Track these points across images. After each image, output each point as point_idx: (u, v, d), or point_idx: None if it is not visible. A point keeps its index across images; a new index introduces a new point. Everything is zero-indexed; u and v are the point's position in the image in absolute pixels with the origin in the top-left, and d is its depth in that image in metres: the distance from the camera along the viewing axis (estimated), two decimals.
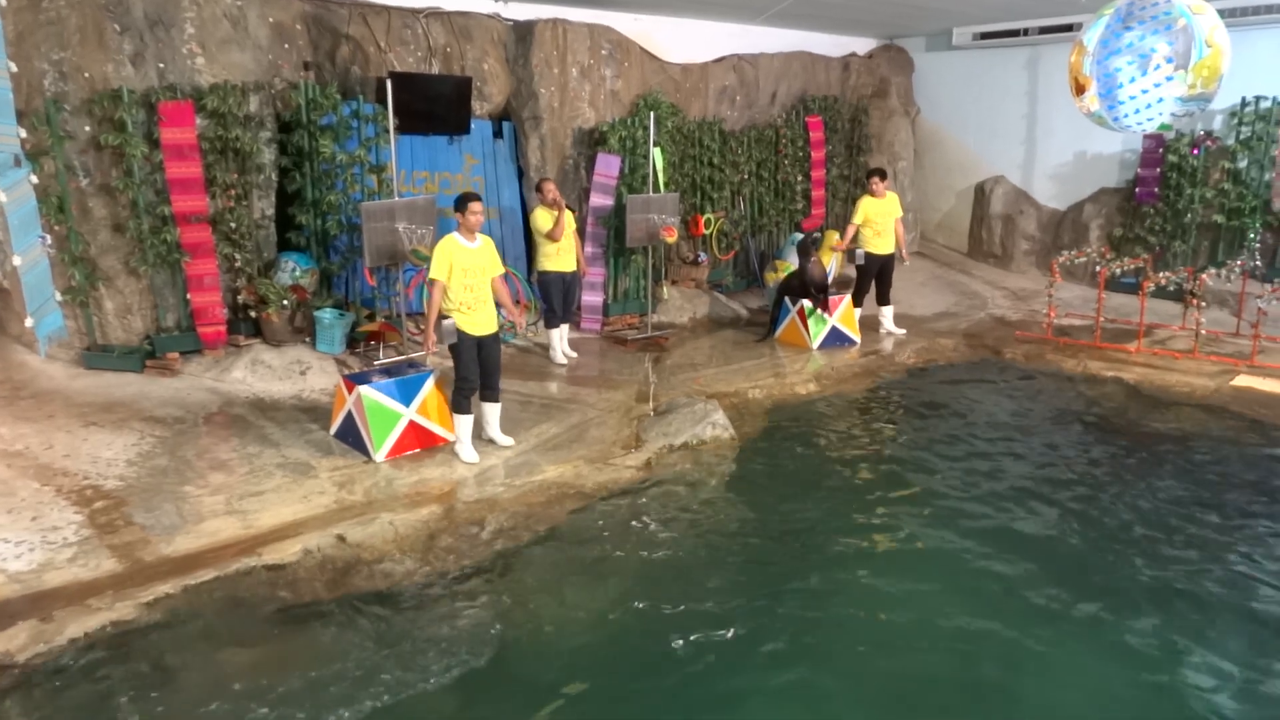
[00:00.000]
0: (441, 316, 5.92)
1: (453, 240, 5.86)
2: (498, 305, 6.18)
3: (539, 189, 8.06)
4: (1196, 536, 5.31)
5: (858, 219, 9.08)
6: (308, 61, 7.94)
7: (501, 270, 6.15)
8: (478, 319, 5.94)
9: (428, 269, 5.97)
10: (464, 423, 6.04)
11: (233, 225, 7.49)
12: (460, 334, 5.90)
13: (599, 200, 9.17)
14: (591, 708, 3.86)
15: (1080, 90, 6.91)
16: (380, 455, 5.93)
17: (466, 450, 6.03)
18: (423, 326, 8.42)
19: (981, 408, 7.58)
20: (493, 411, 6.24)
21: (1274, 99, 9.91)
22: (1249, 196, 10.14)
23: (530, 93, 9.10)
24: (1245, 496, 5.83)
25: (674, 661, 4.13)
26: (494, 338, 6.07)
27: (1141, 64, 6.38)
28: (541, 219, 8.01)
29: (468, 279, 5.85)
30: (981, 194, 12.77)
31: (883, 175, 9.11)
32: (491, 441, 6.24)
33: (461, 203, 5.89)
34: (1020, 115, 12.24)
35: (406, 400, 6.04)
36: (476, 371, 5.98)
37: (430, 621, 4.41)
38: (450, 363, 6.12)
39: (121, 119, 6.87)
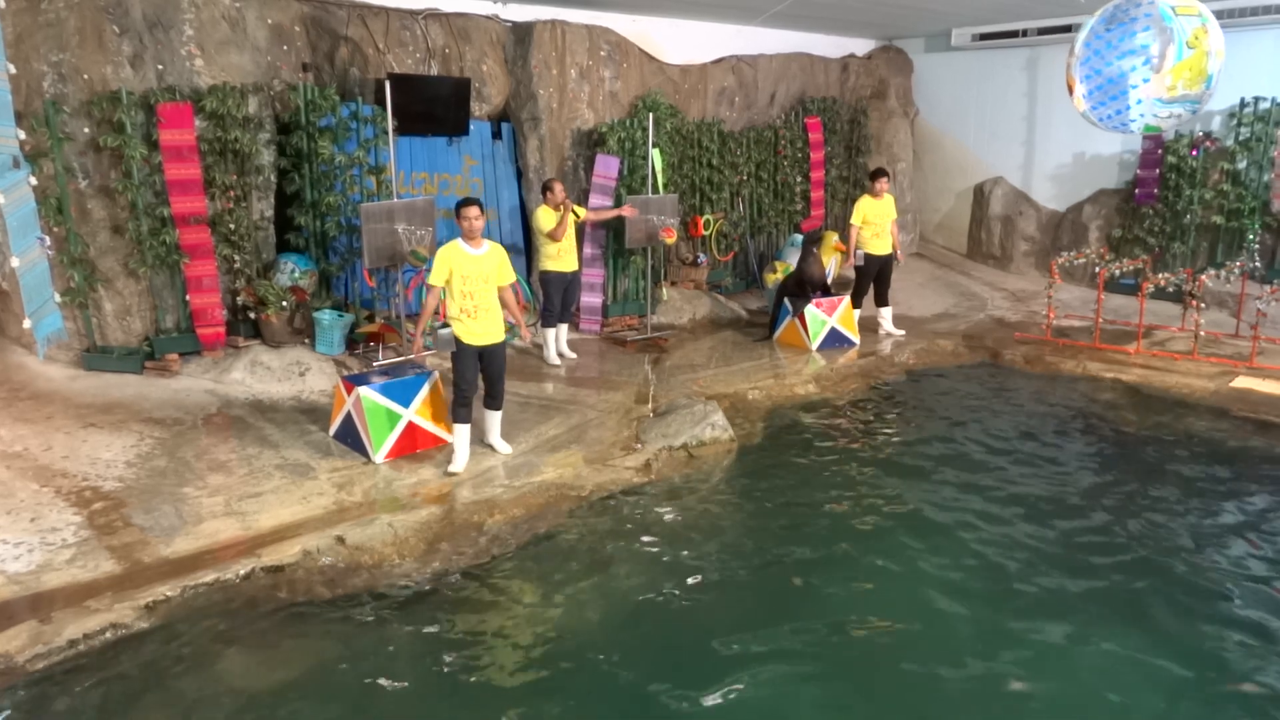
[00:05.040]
0: (444, 325, 5.81)
1: (455, 246, 5.71)
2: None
3: (548, 189, 8.04)
4: (1193, 537, 5.31)
5: (856, 219, 9.09)
6: (306, 63, 7.94)
7: (512, 279, 5.96)
8: (477, 328, 5.75)
9: (428, 271, 5.93)
10: (460, 433, 5.89)
11: (232, 227, 7.49)
12: (459, 343, 5.76)
13: (598, 201, 9.17)
14: (591, 709, 3.85)
15: (1071, 89, 6.93)
16: (379, 456, 5.93)
17: (457, 461, 5.88)
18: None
19: (980, 409, 7.58)
20: (494, 419, 6.15)
21: (1273, 100, 9.91)
22: (1248, 198, 10.14)
23: (529, 94, 9.10)
24: (1243, 498, 5.83)
25: (673, 662, 4.12)
26: (499, 347, 5.91)
27: (1149, 61, 6.34)
28: (544, 218, 8.01)
29: (467, 286, 5.68)
30: (981, 195, 12.77)
31: (887, 175, 9.14)
32: (491, 447, 6.21)
33: (457, 208, 5.75)
34: (1019, 116, 12.25)
35: (406, 401, 6.03)
36: (473, 381, 5.84)
37: (429, 623, 4.40)
38: (450, 364, 6.10)
39: (120, 120, 6.87)
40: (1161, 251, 10.84)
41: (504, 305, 5.92)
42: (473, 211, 5.67)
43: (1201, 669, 4.09)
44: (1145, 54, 6.31)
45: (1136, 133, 6.92)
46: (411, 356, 6.40)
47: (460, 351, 5.78)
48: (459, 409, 5.88)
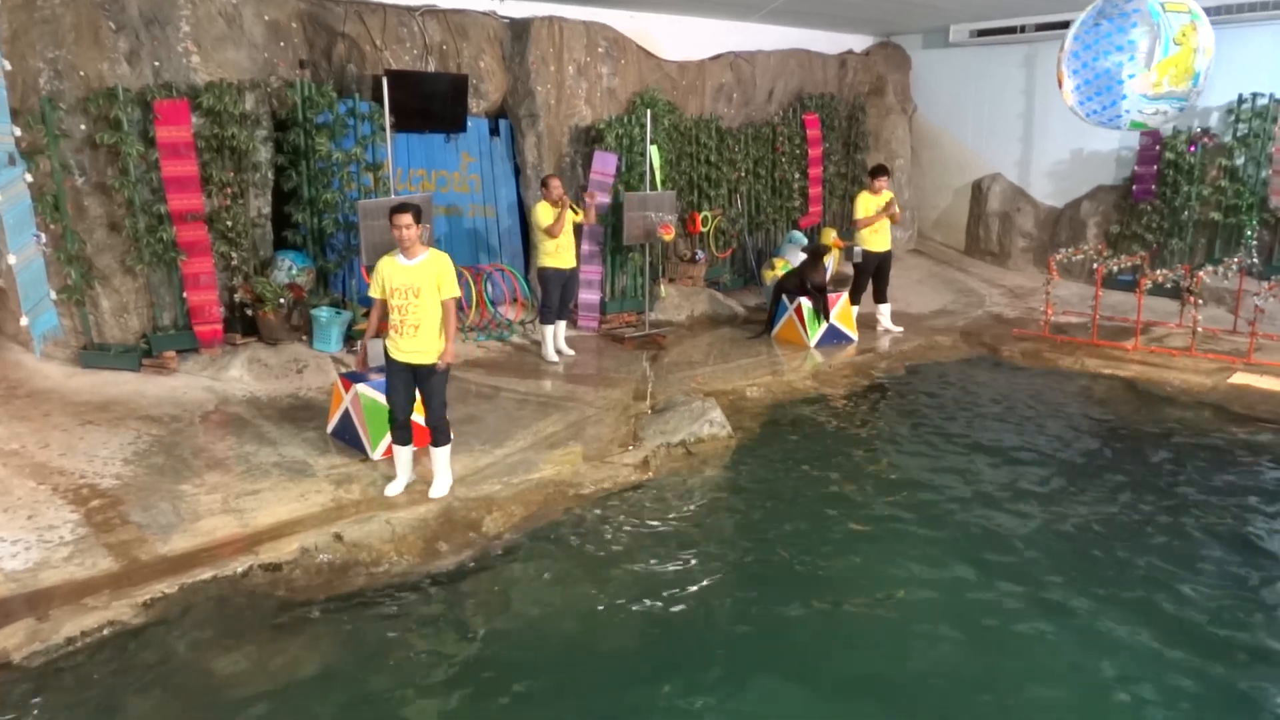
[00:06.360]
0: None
1: (388, 256, 5.27)
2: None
3: (545, 185, 8.02)
4: (1187, 534, 5.31)
5: (861, 215, 9.07)
6: (303, 59, 7.93)
7: (453, 293, 5.24)
8: (403, 344, 5.21)
9: None
10: (397, 455, 5.48)
11: (229, 223, 7.48)
12: (386, 357, 5.34)
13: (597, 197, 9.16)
14: (588, 706, 3.85)
15: (1061, 84, 6.93)
16: (378, 453, 5.91)
17: (394, 483, 5.46)
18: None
19: (978, 405, 7.58)
20: (434, 459, 5.45)
21: (1271, 96, 9.91)
22: (1246, 194, 10.15)
23: (527, 90, 9.09)
24: (1239, 494, 5.83)
25: (671, 660, 4.12)
26: (432, 369, 5.26)
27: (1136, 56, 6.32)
28: (542, 214, 7.99)
29: (396, 300, 5.15)
30: (979, 191, 12.77)
31: (888, 175, 9.14)
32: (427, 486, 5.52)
33: (389, 214, 5.17)
34: (1017, 113, 12.24)
35: None
36: (402, 403, 5.35)
37: (427, 620, 4.40)
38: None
39: (117, 117, 6.86)
40: (1159, 248, 10.84)
41: (443, 320, 5.30)
42: (403, 219, 5.06)
43: (1198, 666, 4.10)
44: (1133, 50, 6.29)
45: (1125, 129, 6.90)
46: (355, 369, 5.95)
47: (387, 367, 5.37)
48: (393, 430, 5.45)
